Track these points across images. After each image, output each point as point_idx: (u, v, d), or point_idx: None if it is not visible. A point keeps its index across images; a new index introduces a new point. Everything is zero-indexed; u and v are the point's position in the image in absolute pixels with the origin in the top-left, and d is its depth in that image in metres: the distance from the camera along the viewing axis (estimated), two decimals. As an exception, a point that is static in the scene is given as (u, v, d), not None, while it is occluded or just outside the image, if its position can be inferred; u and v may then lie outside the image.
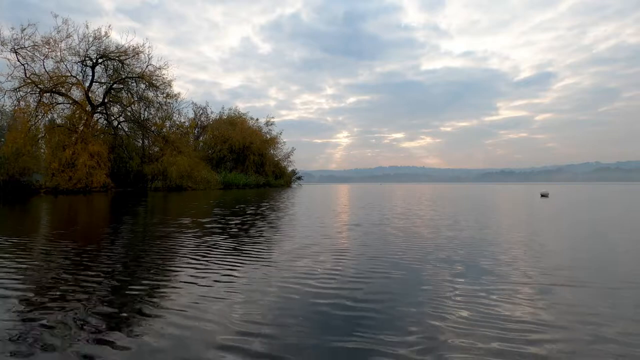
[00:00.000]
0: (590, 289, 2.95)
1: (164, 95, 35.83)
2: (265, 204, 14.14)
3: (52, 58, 29.85)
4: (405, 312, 2.41)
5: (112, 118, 34.86)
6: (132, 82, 34.32)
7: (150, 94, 35.43)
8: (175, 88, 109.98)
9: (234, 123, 51.14)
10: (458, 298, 2.69)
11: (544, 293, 2.82)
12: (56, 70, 30.39)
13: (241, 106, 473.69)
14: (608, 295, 2.77)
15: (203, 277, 3.29)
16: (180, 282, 3.16)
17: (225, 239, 5.47)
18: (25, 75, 28.90)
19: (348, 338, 2.03)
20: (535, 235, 5.87)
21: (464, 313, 2.39)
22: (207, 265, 3.77)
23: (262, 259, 4.05)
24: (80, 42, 30.88)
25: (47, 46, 29.26)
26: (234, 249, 4.67)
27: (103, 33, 31.43)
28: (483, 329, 2.13)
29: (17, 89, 28.78)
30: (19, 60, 28.53)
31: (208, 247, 4.80)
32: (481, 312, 2.40)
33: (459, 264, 3.76)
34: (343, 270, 3.52)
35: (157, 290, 2.95)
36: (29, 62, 28.99)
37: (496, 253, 4.36)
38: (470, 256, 4.16)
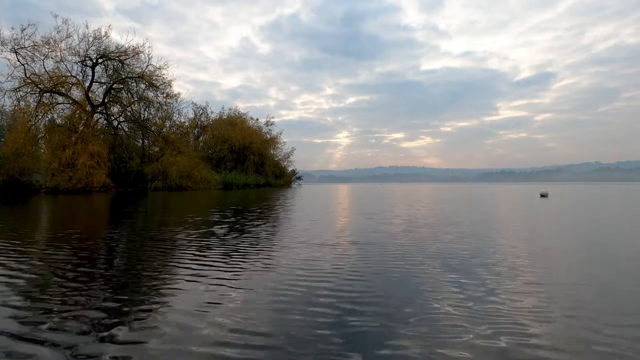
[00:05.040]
0: (590, 289, 2.95)
1: (164, 95, 35.89)
2: (265, 205, 14.15)
3: (52, 58, 29.92)
4: (405, 316, 2.42)
5: (112, 118, 34.87)
6: (132, 82, 34.34)
7: (150, 94, 35.49)
8: (175, 88, 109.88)
9: (234, 123, 51.12)
10: (458, 301, 2.70)
11: (544, 294, 2.82)
12: (56, 70, 30.44)
13: (241, 106, 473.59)
14: (609, 295, 2.78)
15: (201, 280, 3.29)
16: (179, 284, 3.16)
17: (224, 241, 5.48)
18: (25, 75, 28.93)
19: (347, 342, 2.04)
20: (535, 236, 5.88)
21: (465, 316, 2.39)
22: (206, 267, 3.78)
23: (261, 262, 4.05)
24: (80, 42, 30.95)
25: (47, 46, 29.32)
26: (233, 252, 4.68)
27: (103, 33, 31.50)
28: (483, 332, 2.14)
29: (17, 89, 28.82)
30: (19, 60, 28.59)
31: (207, 249, 4.81)
32: (482, 315, 2.41)
33: (459, 266, 3.76)
34: (343, 274, 3.51)
35: (157, 292, 2.95)
36: (29, 62, 29.06)
37: (496, 254, 4.37)
38: (471, 258, 4.17)
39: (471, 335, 2.05)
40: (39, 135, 30.32)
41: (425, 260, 3.97)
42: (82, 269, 3.61)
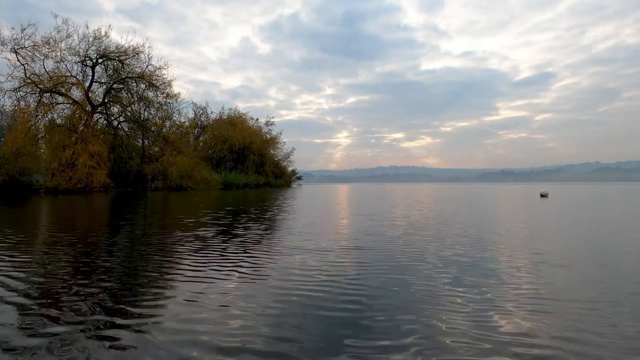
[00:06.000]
0: (591, 293, 2.94)
1: (164, 95, 35.90)
2: (264, 206, 14.14)
3: (52, 58, 29.94)
4: (405, 319, 2.40)
5: (112, 118, 34.88)
6: (132, 82, 34.35)
7: (150, 94, 35.50)
8: (175, 88, 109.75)
9: (234, 123, 51.11)
10: (458, 304, 2.68)
11: (544, 297, 2.81)
12: (56, 70, 30.45)
13: (241, 106, 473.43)
14: (609, 298, 2.76)
15: (191, 287, 3.25)
16: (179, 286, 3.16)
17: (223, 242, 5.47)
18: (25, 75, 28.94)
19: (346, 344, 2.03)
20: (535, 237, 5.87)
21: (465, 320, 2.38)
22: (205, 268, 3.77)
23: (255, 269, 4.03)
24: (80, 42, 30.97)
25: (47, 46, 29.33)
26: (233, 253, 4.67)
27: (103, 33, 31.52)
28: (483, 335, 2.13)
29: (17, 89, 28.84)
30: (19, 60, 28.59)
31: (206, 250, 4.80)
32: (482, 319, 2.39)
33: (461, 274, 3.73)
34: (340, 283, 3.47)
35: (156, 293, 2.94)
36: (29, 62, 29.07)
37: (497, 259, 4.36)
38: (473, 265, 4.14)
39: (477, 353, 2.02)
40: (39, 135, 30.32)
41: (427, 267, 3.88)
42: (79, 270, 3.60)
